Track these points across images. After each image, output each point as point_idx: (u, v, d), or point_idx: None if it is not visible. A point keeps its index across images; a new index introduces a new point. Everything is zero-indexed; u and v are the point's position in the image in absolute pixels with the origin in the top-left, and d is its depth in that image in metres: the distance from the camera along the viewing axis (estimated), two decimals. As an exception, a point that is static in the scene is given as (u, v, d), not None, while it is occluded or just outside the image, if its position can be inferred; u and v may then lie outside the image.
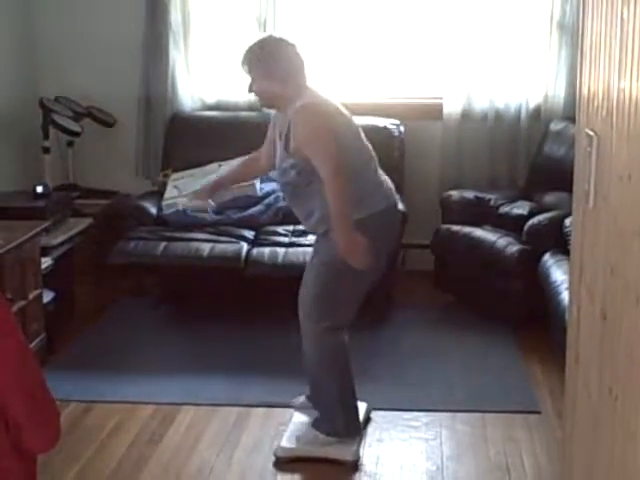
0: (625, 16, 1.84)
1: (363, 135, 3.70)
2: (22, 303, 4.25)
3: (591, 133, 2.18)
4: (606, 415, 1.98)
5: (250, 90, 3.63)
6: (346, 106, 3.72)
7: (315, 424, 3.72)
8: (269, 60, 3.54)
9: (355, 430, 3.73)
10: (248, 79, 3.61)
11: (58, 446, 3.52)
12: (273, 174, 3.84)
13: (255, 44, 3.63)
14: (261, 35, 3.88)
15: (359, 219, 3.50)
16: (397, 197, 3.80)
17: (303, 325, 3.65)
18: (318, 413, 3.74)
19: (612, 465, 1.93)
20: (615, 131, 1.93)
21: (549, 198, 5.16)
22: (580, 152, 2.37)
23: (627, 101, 1.80)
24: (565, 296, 3.81)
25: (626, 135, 1.82)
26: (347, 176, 3.44)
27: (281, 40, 3.66)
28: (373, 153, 3.72)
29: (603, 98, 2.07)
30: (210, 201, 4.08)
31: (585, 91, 2.35)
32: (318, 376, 3.72)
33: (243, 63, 3.59)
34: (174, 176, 5.58)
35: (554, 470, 3.44)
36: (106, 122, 5.78)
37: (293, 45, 3.61)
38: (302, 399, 3.90)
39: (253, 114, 5.72)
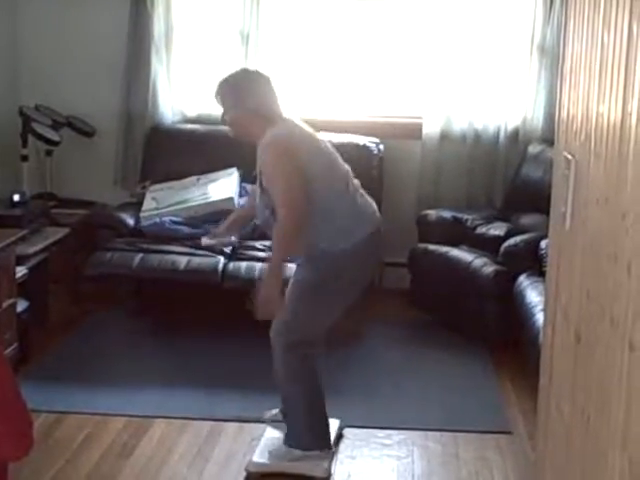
0: (605, 41, 1.87)
1: (340, 161, 3.68)
2: (-5, 312, 4.22)
3: (569, 156, 2.20)
4: (578, 435, 1.99)
5: (222, 121, 3.67)
6: (324, 124, 3.73)
7: (286, 439, 3.71)
8: (241, 92, 3.57)
9: (325, 444, 3.73)
10: (221, 110, 3.64)
11: (28, 457, 3.51)
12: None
13: (228, 76, 3.66)
14: (236, 67, 3.91)
15: (344, 249, 3.52)
16: (380, 220, 3.76)
17: (272, 337, 3.63)
18: (288, 427, 3.72)
19: (583, 485, 1.94)
20: (593, 155, 1.95)
21: (526, 220, 5.20)
22: (558, 175, 2.39)
23: (605, 126, 1.83)
24: (539, 317, 3.84)
25: (604, 159, 1.84)
26: (305, 209, 3.45)
27: (254, 73, 3.73)
28: (351, 178, 3.69)
29: (582, 122, 2.09)
30: (232, 237, 4.13)
31: (564, 114, 2.38)
32: (286, 390, 3.71)
33: (216, 94, 3.62)
34: (152, 188, 5.57)
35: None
36: (86, 132, 5.77)
37: (267, 78, 3.65)
38: (274, 412, 3.89)
39: (233, 128, 5.72)
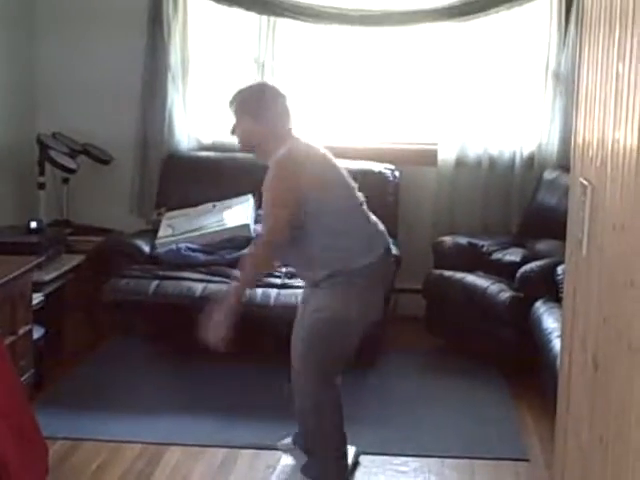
0: (620, 71, 1.87)
1: (352, 184, 3.67)
2: (12, 338, 4.22)
3: (585, 182, 2.20)
4: (596, 464, 1.98)
5: (233, 132, 3.64)
6: (340, 151, 3.72)
7: (304, 470, 3.67)
8: (257, 105, 3.57)
9: (343, 477, 3.71)
10: (233, 120, 3.62)
11: (44, 484, 3.52)
12: None
13: (246, 87, 3.69)
14: (254, 80, 3.91)
15: (351, 270, 3.51)
16: (389, 240, 3.77)
17: (297, 376, 3.59)
18: (308, 459, 3.69)
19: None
20: (609, 181, 1.95)
21: (541, 246, 5.19)
22: (574, 201, 2.39)
23: (621, 151, 1.83)
24: (556, 344, 3.81)
25: (620, 185, 1.84)
26: (331, 232, 3.46)
27: (273, 88, 3.72)
28: (361, 200, 3.68)
29: (598, 148, 2.09)
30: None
31: (580, 141, 2.38)
32: (312, 426, 3.67)
33: (231, 103, 3.61)
34: (168, 215, 5.59)
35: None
36: (102, 159, 5.81)
37: (284, 96, 3.64)
38: (287, 441, 3.87)
39: (248, 155, 5.70)
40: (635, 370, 1.66)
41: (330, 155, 3.66)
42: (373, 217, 3.73)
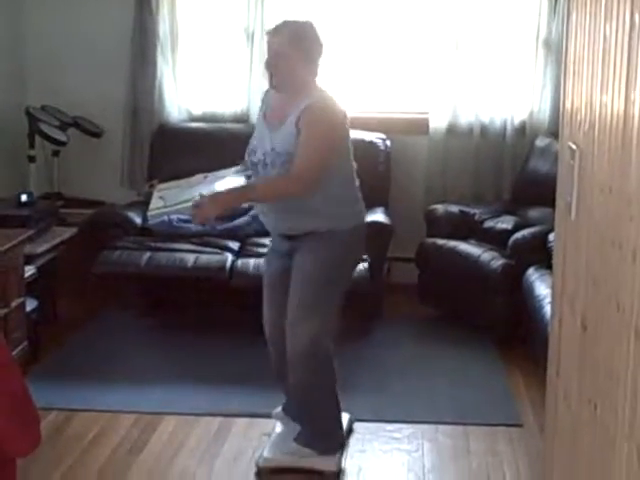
0: (607, 32, 1.87)
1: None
2: (4, 311, 4.24)
3: (574, 146, 2.20)
4: (586, 425, 2.00)
5: (268, 65, 3.51)
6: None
7: (298, 439, 3.67)
8: (305, 38, 3.48)
9: (339, 444, 3.73)
10: (265, 55, 3.53)
11: (39, 454, 3.53)
12: (261, 155, 3.62)
13: (293, 21, 3.57)
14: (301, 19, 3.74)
15: (354, 227, 3.55)
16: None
17: (293, 335, 3.54)
18: (302, 428, 3.69)
19: (591, 473, 1.94)
20: (597, 144, 1.96)
21: (533, 213, 5.19)
22: (563, 165, 2.40)
23: (609, 114, 1.83)
24: (548, 310, 3.83)
25: (607, 148, 1.85)
26: (317, 184, 3.44)
27: (317, 33, 3.56)
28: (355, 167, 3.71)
29: (586, 112, 2.10)
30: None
31: (568, 105, 2.38)
32: (308, 396, 3.66)
33: (275, 32, 3.47)
34: (160, 187, 5.55)
35: (535, 483, 3.46)
36: (92, 132, 5.79)
37: (322, 43, 3.55)
38: (279, 409, 3.89)
39: (239, 125, 5.74)
40: (623, 331, 1.68)
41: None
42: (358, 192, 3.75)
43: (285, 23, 3.53)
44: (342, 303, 3.68)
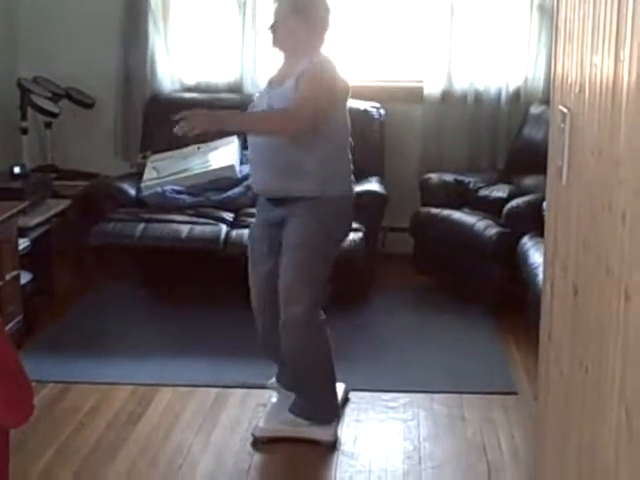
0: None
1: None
2: (-1, 284, 4.24)
3: (564, 110, 2.18)
4: (577, 388, 1.99)
5: (272, 29, 3.53)
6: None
7: (293, 409, 3.68)
8: (305, 7, 3.51)
9: (334, 413, 3.74)
10: (272, 18, 3.54)
11: (35, 426, 3.56)
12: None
13: None
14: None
15: (344, 194, 3.55)
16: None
17: (286, 304, 3.53)
18: (296, 398, 3.70)
19: (582, 437, 1.94)
20: (587, 106, 1.94)
21: (528, 181, 5.18)
22: (554, 129, 2.38)
23: (599, 76, 1.81)
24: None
25: (597, 110, 1.83)
26: (333, 150, 3.46)
27: (324, 1, 3.59)
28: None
29: (576, 74, 2.08)
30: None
31: (559, 68, 2.36)
32: (301, 365, 3.66)
33: (280, 1, 3.51)
34: (153, 158, 5.56)
35: (530, 450, 3.46)
36: (85, 103, 5.75)
37: (329, 9, 3.59)
38: (274, 380, 3.90)
39: (233, 95, 5.71)
40: (613, 294, 1.67)
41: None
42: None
43: None
44: (331, 273, 3.67)
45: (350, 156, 3.66)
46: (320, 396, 3.70)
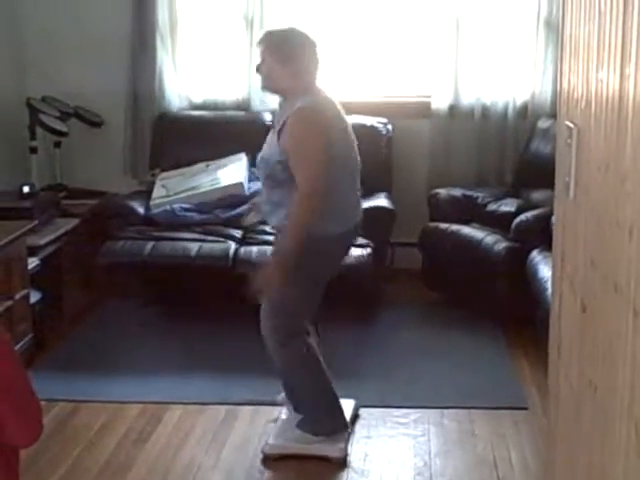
0: (602, 8, 1.85)
1: (355, 145, 3.67)
2: (9, 303, 4.24)
3: (571, 125, 2.18)
4: (586, 405, 1.99)
5: (258, 70, 3.61)
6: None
7: (300, 425, 3.69)
8: (287, 50, 3.52)
9: (341, 427, 3.73)
10: (258, 60, 3.60)
11: (45, 445, 3.56)
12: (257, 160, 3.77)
13: (278, 30, 3.64)
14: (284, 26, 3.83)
15: (332, 234, 3.54)
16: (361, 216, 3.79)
17: (265, 334, 3.62)
18: (301, 415, 3.71)
19: (591, 453, 1.93)
20: (594, 122, 1.94)
21: (536, 195, 5.17)
22: (561, 144, 2.38)
23: (605, 91, 1.81)
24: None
25: (604, 125, 1.83)
26: (326, 190, 3.43)
27: (303, 34, 3.61)
28: (358, 169, 3.70)
29: (583, 89, 2.08)
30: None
31: (565, 84, 2.36)
32: (291, 383, 3.71)
33: (260, 43, 3.57)
34: (162, 175, 5.58)
35: (541, 465, 3.45)
36: (93, 122, 5.78)
37: (314, 43, 3.59)
38: (283, 395, 3.90)
39: (240, 113, 5.73)
40: (621, 311, 1.66)
41: (344, 115, 3.65)
42: (358, 185, 3.74)
43: (266, 33, 3.62)
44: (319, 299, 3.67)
45: (351, 192, 3.65)
46: (316, 411, 3.71)
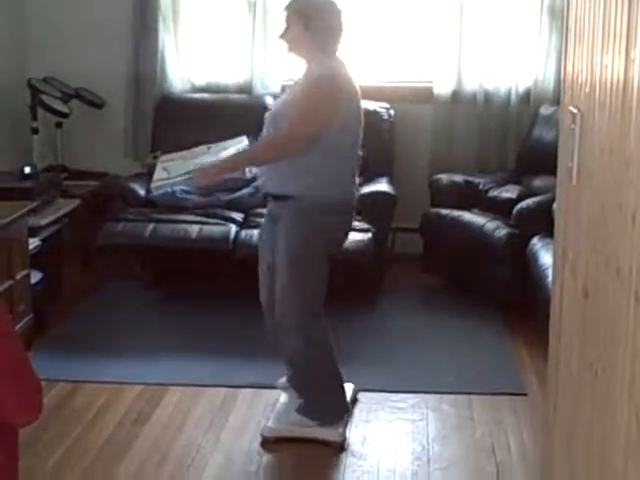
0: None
1: (361, 129, 3.66)
2: (9, 283, 4.24)
3: (575, 110, 2.18)
4: (586, 390, 1.99)
5: (282, 36, 3.61)
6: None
7: (300, 410, 3.69)
8: (312, 12, 3.54)
9: (342, 413, 3.73)
10: (283, 25, 3.59)
11: (45, 425, 3.57)
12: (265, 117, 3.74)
13: None
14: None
15: (332, 201, 3.53)
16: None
17: (283, 322, 3.61)
18: (303, 399, 3.70)
19: (591, 438, 1.94)
20: (597, 106, 1.93)
21: (538, 182, 5.17)
22: (564, 130, 2.37)
23: (609, 75, 1.80)
24: (552, 278, 3.82)
25: (608, 110, 1.82)
26: (300, 150, 3.45)
27: (331, 4, 3.62)
28: (360, 150, 3.69)
29: (587, 74, 2.07)
30: (247, 171, 4.09)
31: (570, 69, 2.35)
32: (303, 368, 3.69)
33: (287, 8, 3.58)
34: (163, 158, 5.53)
35: (539, 451, 3.45)
36: (95, 103, 5.77)
37: (340, 11, 3.61)
38: (284, 380, 3.90)
39: (243, 96, 5.72)
40: (623, 296, 1.66)
41: (359, 94, 3.64)
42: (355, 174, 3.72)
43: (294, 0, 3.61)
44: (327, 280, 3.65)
45: (353, 165, 3.65)
46: (323, 398, 3.71)
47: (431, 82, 5.70)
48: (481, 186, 5.38)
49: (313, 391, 3.70)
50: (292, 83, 3.74)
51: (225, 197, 5.24)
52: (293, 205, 3.55)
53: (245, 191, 5.28)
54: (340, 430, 3.66)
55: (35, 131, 5.55)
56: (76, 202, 5.26)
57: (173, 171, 5.40)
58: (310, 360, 3.65)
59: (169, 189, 5.23)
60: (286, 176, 3.57)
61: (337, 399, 3.73)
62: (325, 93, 3.49)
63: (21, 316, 4.33)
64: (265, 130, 3.66)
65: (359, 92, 3.63)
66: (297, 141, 3.48)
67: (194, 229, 4.94)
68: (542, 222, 4.69)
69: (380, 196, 5.10)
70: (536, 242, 4.66)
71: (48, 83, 5.59)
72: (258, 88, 5.72)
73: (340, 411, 3.73)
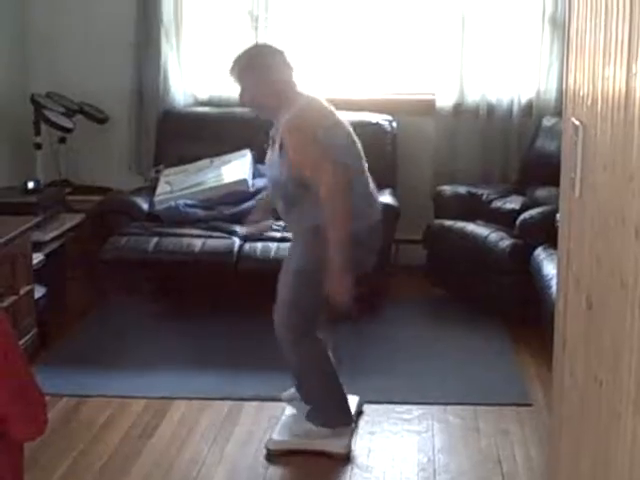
0: (609, 5, 1.85)
1: (356, 139, 3.65)
2: (13, 298, 4.25)
3: (577, 122, 2.18)
4: (591, 402, 1.99)
5: (241, 100, 3.62)
6: (337, 103, 3.70)
7: (309, 416, 3.71)
8: (258, 70, 3.52)
9: (347, 419, 3.74)
10: (238, 89, 3.59)
11: (49, 440, 3.57)
12: (264, 169, 3.81)
13: (243, 53, 3.61)
14: (248, 45, 3.85)
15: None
16: (380, 212, 3.78)
17: (279, 332, 3.63)
18: (311, 407, 3.73)
19: (597, 450, 1.94)
20: (600, 119, 1.94)
21: (541, 193, 5.18)
22: (567, 142, 2.38)
23: (611, 88, 1.81)
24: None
25: (610, 123, 1.83)
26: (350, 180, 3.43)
27: (269, 48, 3.66)
28: (364, 161, 3.68)
29: (589, 87, 2.08)
30: (269, 221, 4.12)
31: (571, 81, 2.36)
32: (302, 378, 3.73)
33: (232, 71, 3.56)
34: (166, 172, 5.58)
35: (545, 461, 3.45)
36: (98, 118, 5.78)
37: (281, 52, 3.60)
38: (292, 391, 3.90)
39: (245, 110, 5.67)
40: (627, 307, 1.67)
41: (337, 113, 3.62)
42: (372, 185, 3.72)
43: (234, 60, 3.57)
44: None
45: (362, 186, 3.63)
46: (325, 403, 3.73)
47: (433, 94, 5.71)
48: (484, 197, 5.38)
49: (313, 397, 3.72)
50: (271, 134, 3.62)
51: (228, 210, 5.25)
52: (305, 234, 3.56)
53: (248, 204, 5.28)
54: (345, 442, 3.66)
55: (38, 146, 5.56)
56: (80, 217, 5.27)
57: (176, 185, 5.44)
58: (305, 370, 3.70)
59: (172, 203, 5.27)
60: (294, 209, 3.56)
61: (339, 407, 3.74)
62: (309, 133, 3.43)
63: (25, 331, 4.33)
64: (276, 202, 3.63)
65: (335, 111, 3.59)
66: (341, 190, 3.38)
67: (198, 243, 4.95)
68: (546, 233, 4.69)
69: (383, 208, 5.08)
70: (540, 253, 4.66)
71: (51, 98, 5.61)
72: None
73: (342, 417, 3.73)
